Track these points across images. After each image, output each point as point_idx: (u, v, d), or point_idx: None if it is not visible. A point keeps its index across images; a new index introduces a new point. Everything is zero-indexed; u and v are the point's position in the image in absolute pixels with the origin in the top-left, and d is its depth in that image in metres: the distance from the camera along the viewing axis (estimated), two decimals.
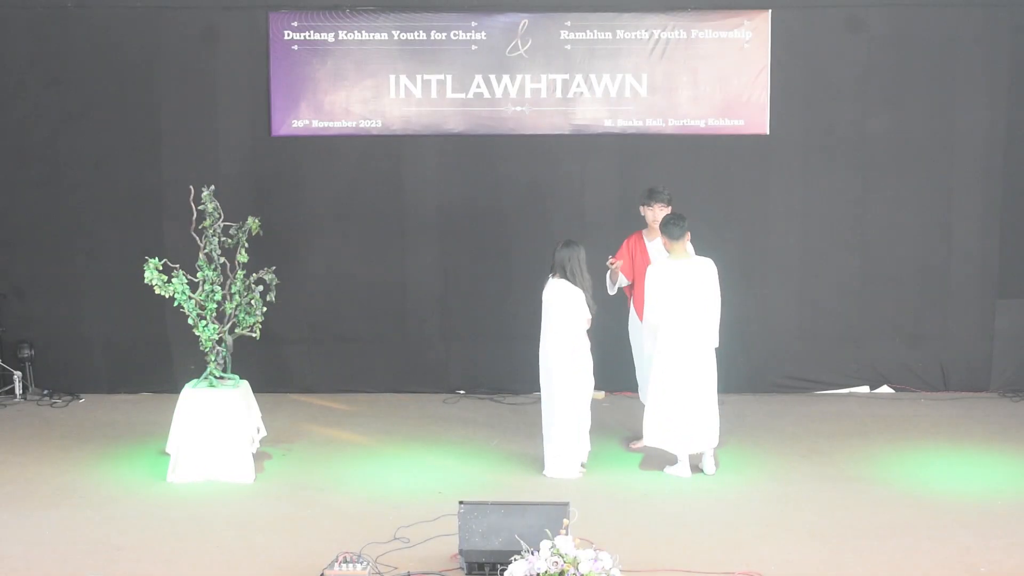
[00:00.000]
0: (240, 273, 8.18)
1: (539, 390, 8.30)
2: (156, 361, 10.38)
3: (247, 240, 8.31)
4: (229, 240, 8.25)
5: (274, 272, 8.34)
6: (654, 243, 8.70)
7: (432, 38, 10.22)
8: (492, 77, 10.26)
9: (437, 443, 8.96)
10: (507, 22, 10.23)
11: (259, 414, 8.43)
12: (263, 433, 8.43)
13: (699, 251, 8.49)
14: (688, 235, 8.34)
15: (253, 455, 8.15)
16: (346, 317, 10.51)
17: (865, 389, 10.47)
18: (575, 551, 5.74)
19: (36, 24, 10.20)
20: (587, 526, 6.78)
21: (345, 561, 6.17)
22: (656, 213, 8.67)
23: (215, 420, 8.01)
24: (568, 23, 10.22)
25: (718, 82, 10.22)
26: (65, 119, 10.29)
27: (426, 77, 10.26)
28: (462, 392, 10.47)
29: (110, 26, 10.22)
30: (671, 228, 8.17)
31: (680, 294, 8.09)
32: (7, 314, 10.38)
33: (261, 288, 8.27)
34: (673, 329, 8.11)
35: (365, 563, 6.18)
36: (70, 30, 10.21)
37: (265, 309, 8.33)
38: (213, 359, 8.15)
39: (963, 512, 7.37)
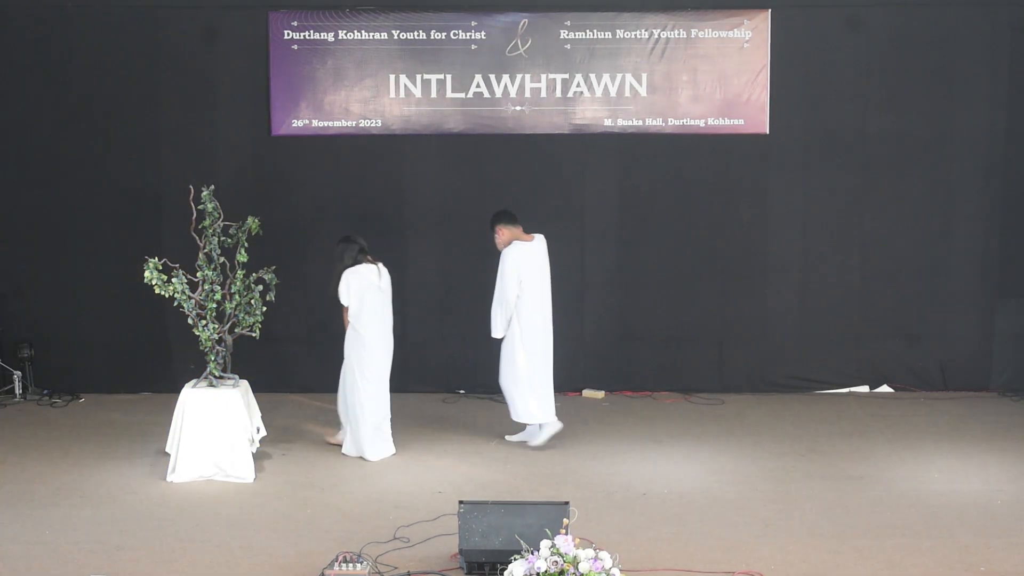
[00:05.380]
0: (240, 273, 8.17)
1: None
2: (156, 361, 10.37)
3: (247, 240, 8.30)
4: (229, 240, 8.25)
5: (274, 272, 8.34)
6: None
7: (432, 38, 10.22)
8: (492, 77, 10.25)
9: (437, 443, 8.96)
10: (507, 22, 10.22)
11: (259, 414, 8.43)
12: (263, 433, 8.42)
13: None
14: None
15: (253, 455, 8.15)
16: None
17: (865, 389, 10.46)
18: (575, 551, 5.74)
19: (36, 24, 10.20)
20: (587, 526, 6.78)
21: (345, 561, 6.17)
22: None
23: (215, 420, 8.01)
24: (568, 23, 10.22)
25: (718, 82, 10.22)
26: (65, 119, 10.28)
27: (426, 77, 10.26)
28: (462, 392, 10.47)
29: (110, 26, 10.22)
30: (507, 215, 8.71)
31: (533, 272, 8.62)
32: (7, 314, 10.38)
33: (261, 288, 8.26)
34: (531, 306, 8.63)
35: (365, 563, 6.19)
36: (70, 30, 10.21)
37: (265, 309, 8.33)
38: (213, 359, 8.14)
39: (963, 512, 7.37)
